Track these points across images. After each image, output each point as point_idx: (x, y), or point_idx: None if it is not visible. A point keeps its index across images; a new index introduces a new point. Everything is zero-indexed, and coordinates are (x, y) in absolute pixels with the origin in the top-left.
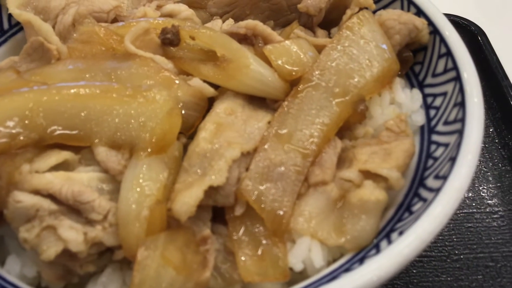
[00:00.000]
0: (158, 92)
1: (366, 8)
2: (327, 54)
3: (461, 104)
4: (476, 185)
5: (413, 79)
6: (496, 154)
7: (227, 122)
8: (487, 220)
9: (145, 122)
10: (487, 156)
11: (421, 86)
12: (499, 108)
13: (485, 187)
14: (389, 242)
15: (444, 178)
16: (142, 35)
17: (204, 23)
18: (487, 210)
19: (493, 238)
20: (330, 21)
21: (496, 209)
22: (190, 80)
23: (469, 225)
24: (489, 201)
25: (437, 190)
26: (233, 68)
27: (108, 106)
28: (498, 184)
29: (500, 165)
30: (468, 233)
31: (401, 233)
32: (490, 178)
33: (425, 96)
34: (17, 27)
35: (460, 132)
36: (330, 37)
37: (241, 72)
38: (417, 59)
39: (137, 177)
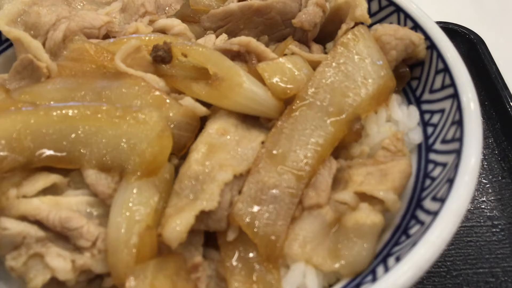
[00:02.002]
0: (149, 113)
1: (362, 23)
2: (322, 71)
3: (459, 123)
4: (476, 198)
5: (410, 94)
6: (496, 165)
7: (219, 143)
8: (487, 234)
9: (135, 144)
10: (487, 168)
11: (418, 102)
12: (499, 119)
13: (485, 200)
14: (386, 268)
15: (442, 200)
16: (133, 53)
17: (197, 38)
18: (487, 223)
19: (493, 253)
20: (325, 35)
21: (496, 222)
22: (182, 99)
23: (469, 239)
24: (489, 214)
25: (434, 214)
26: (225, 86)
27: (98, 127)
28: (498, 197)
29: (500, 177)
30: (468, 248)
31: (398, 259)
32: (490, 190)
33: (422, 113)
34: (7, 43)
35: (458, 152)
36: (325, 52)
37: (234, 91)
38: (414, 74)
39: (127, 202)
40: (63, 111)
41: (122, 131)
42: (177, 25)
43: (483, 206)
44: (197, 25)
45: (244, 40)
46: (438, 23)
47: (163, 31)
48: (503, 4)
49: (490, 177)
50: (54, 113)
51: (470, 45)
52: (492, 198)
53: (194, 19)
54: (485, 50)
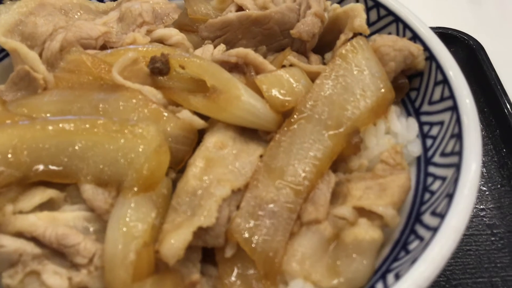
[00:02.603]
0: (146, 127)
1: (360, 33)
2: (320, 84)
3: (458, 136)
4: (475, 206)
5: (409, 105)
6: (495, 173)
7: (217, 157)
8: (486, 243)
9: (132, 159)
10: (486, 176)
11: (417, 113)
12: (498, 126)
13: (484, 208)
14: (385, 286)
15: (441, 216)
16: (130, 65)
17: (195, 47)
18: (487, 232)
19: (493, 262)
20: (323, 44)
21: (496, 231)
22: (180, 112)
23: (468, 248)
24: (488, 222)
25: (434, 229)
26: (223, 99)
27: (94, 142)
28: (498, 205)
29: (499, 185)
30: (467, 257)
31: (397, 276)
32: (489, 198)
33: (421, 124)
34: (3, 52)
35: (458, 167)
36: (324, 62)
37: (232, 104)
38: (413, 85)
39: (124, 218)
40: (60, 125)
41: (119, 146)
42: (175, 35)
43: (482, 214)
44: (195, 34)
45: (242, 52)
46: (437, 28)
47: (160, 41)
48: (503, 10)
49: (489, 184)
50: (51, 127)
51: (469, 51)
52: (491, 206)
53: (192, 28)
54: (485, 56)
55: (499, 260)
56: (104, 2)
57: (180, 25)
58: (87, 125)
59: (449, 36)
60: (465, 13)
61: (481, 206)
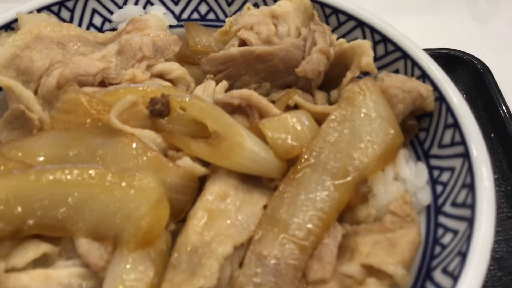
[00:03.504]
0: (145, 179)
1: (368, 73)
2: (326, 130)
3: (471, 187)
4: None
5: (417, 147)
6: (502, 204)
7: (219, 209)
8: (494, 279)
9: (130, 213)
10: None
11: (427, 156)
12: (505, 154)
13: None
14: None
15: (454, 278)
16: (129, 108)
17: (197, 81)
18: (494, 266)
19: None
20: (329, 78)
21: (504, 265)
22: (180, 158)
23: None
24: (495, 256)
25: None
26: (226, 146)
27: (91, 194)
28: (506, 237)
29: (506, 217)
30: None
31: None
32: (497, 230)
33: (430, 169)
34: None
35: (470, 222)
36: (329, 100)
37: (235, 151)
38: (421, 125)
39: (121, 276)
40: (55, 176)
41: (117, 199)
42: (176, 69)
43: None
44: (196, 67)
45: (246, 93)
46: (442, 49)
47: (161, 76)
48: (511, 29)
49: (497, 215)
50: (45, 178)
51: (476, 74)
52: (499, 238)
53: (193, 60)
54: (492, 80)
55: None
56: (103, 32)
57: (181, 56)
58: (84, 176)
59: (454, 58)
60: (471, 32)
61: None
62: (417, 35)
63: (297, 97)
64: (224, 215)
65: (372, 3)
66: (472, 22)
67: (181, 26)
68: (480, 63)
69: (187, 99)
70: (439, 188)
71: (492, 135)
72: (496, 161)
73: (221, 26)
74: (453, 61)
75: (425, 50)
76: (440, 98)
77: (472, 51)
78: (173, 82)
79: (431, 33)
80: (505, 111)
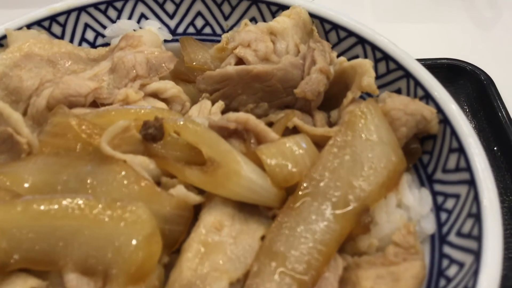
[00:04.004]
0: (137, 211)
1: (370, 94)
2: (326, 157)
3: (477, 218)
4: None
5: (421, 171)
6: (506, 221)
7: (214, 242)
8: None
9: (120, 248)
10: None
11: (430, 181)
12: (509, 168)
13: None
14: None
15: None
16: (121, 133)
17: (192, 99)
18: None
19: None
20: (329, 97)
21: (509, 284)
22: (173, 185)
23: None
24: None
25: None
26: (221, 174)
27: (80, 227)
28: (510, 256)
29: (510, 234)
30: None
31: None
32: None
33: (435, 194)
34: None
35: (477, 256)
36: (330, 121)
37: (231, 180)
38: (425, 147)
39: None
40: (42, 207)
41: (107, 232)
42: (170, 88)
43: None
44: (192, 85)
45: (242, 117)
46: (444, 59)
47: (155, 95)
48: None
49: None
50: (33, 210)
51: (479, 85)
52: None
53: (189, 77)
54: (495, 92)
55: None
56: (96, 47)
57: (177, 73)
58: (73, 208)
59: (457, 68)
60: (472, 39)
61: None
62: (417, 44)
63: (296, 119)
64: (219, 248)
65: (372, 11)
66: (473, 29)
67: (177, 40)
68: (483, 74)
69: (181, 122)
70: (443, 216)
71: (495, 148)
72: (499, 176)
73: (217, 41)
74: (456, 72)
75: (427, 60)
76: (445, 120)
77: (474, 59)
78: (168, 101)
79: (431, 41)
80: (509, 123)
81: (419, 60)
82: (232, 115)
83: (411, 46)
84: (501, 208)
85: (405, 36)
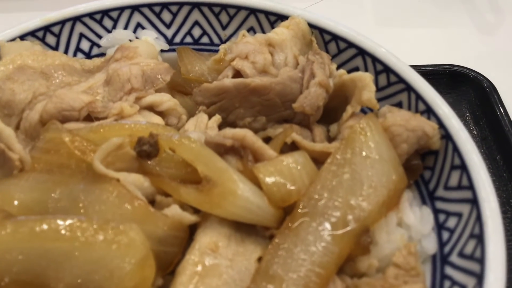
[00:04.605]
0: (130, 232)
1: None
2: (325, 175)
3: (479, 239)
4: None
5: (422, 187)
6: (508, 231)
7: (210, 264)
8: None
9: (112, 271)
10: None
11: (432, 198)
12: (511, 177)
13: None
14: None
15: None
16: (114, 150)
17: (189, 112)
18: None
19: None
20: (329, 110)
21: None
22: (168, 204)
23: None
24: None
25: None
26: (217, 193)
27: (71, 249)
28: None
29: None
30: None
31: None
32: None
33: (436, 212)
34: None
35: (480, 279)
36: (329, 136)
37: (227, 200)
38: (426, 163)
39: None
40: (34, 228)
41: (99, 255)
42: (166, 101)
43: None
44: (188, 97)
45: (239, 134)
46: (447, 65)
47: (151, 108)
48: None
49: None
50: (23, 231)
51: (481, 92)
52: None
53: (185, 89)
54: (498, 99)
55: None
56: (91, 57)
57: (173, 85)
58: (64, 230)
59: (459, 75)
60: (475, 45)
61: None
62: (419, 48)
63: (294, 134)
64: (215, 271)
65: (373, 16)
66: (476, 34)
67: (174, 50)
68: (486, 81)
69: (176, 139)
70: (445, 235)
71: (497, 157)
72: (502, 185)
73: (215, 50)
74: (458, 78)
75: (429, 66)
76: (447, 136)
77: (476, 64)
78: (164, 114)
79: (433, 45)
80: None
81: (421, 66)
82: (228, 131)
83: (413, 51)
84: (504, 219)
85: (407, 41)
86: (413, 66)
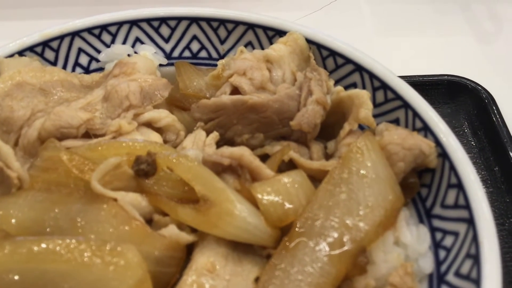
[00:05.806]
0: (127, 253)
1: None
2: (322, 195)
3: (476, 259)
4: None
5: (419, 205)
6: (506, 244)
7: (207, 285)
8: None
9: None
10: None
11: (429, 215)
12: (509, 189)
13: None
14: None
15: None
16: (112, 169)
17: (187, 127)
18: None
19: None
20: (326, 126)
21: None
22: (165, 224)
23: None
24: None
25: None
26: (214, 214)
27: (69, 270)
28: (509, 280)
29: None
30: None
31: None
32: None
33: (433, 230)
34: None
35: None
36: (326, 153)
37: (224, 220)
38: (423, 180)
39: None
40: (31, 249)
41: (97, 277)
42: (165, 117)
43: None
44: (187, 113)
45: (236, 153)
46: (446, 76)
47: (149, 124)
48: None
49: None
50: (21, 252)
51: (479, 103)
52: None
53: (183, 104)
54: (496, 110)
55: None
56: (90, 72)
57: (172, 100)
58: (62, 251)
59: (457, 85)
60: (473, 54)
61: None
62: (418, 58)
63: (292, 152)
64: None
65: (372, 25)
66: (474, 44)
67: (172, 64)
68: (484, 92)
69: (174, 158)
70: (442, 254)
71: (495, 168)
72: (499, 197)
73: (213, 65)
74: (456, 88)
75: (427, 76)
76: (444, 155)
77: (474, 73)
78: (162, 130)
79: (432, 55)
80: (510, 142)
81: (419, 76)
82: (226, 150)
83: (411, 59)
84: (502, 231)
85: (405, 51)
86: (411, 76)
